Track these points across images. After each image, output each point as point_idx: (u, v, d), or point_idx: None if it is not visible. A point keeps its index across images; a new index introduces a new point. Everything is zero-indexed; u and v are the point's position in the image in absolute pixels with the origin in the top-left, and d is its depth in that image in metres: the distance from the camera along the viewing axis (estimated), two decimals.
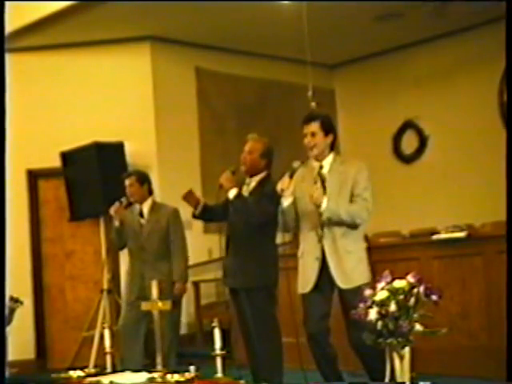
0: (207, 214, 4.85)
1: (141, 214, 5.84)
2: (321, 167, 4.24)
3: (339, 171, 4.21)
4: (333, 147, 4.30)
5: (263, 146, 4.72)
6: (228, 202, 4.64)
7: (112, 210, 5.77)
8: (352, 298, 3.98)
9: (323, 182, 4.19)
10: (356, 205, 4.13)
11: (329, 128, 4.26)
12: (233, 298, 4.79)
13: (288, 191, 4.13)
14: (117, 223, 5.80)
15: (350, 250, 4.12)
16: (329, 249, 4.11)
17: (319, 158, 4.25)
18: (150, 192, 5.90)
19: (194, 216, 4.85)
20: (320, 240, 4.13)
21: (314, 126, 4.22)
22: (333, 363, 4.24)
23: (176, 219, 5.82)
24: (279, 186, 4.15)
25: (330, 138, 4.25)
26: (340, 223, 4.11)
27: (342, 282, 4.09)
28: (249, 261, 4.59)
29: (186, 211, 7.56)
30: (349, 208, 4.12)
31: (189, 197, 4.80)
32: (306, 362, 4.38)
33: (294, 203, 4.20)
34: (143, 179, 5.85)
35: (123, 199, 5.79)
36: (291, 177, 4.15)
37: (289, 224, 4.26)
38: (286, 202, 4.16)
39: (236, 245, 4.68)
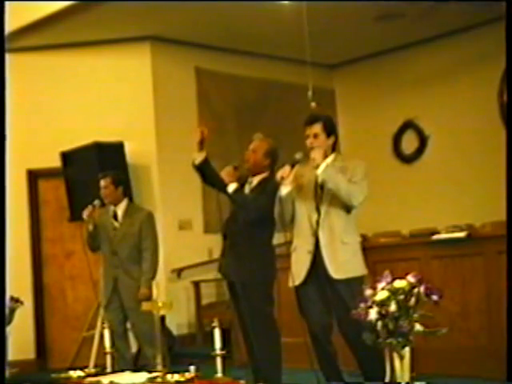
0: (205, 169, 4.66)
1: (115, 217, 5.83)
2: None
3: (339, 167, 4.21)
4: (334, 148, 4.30)
5: (268, 146, 4.74)
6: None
7: (85, 214, 5.75)
8: (344, 289, 4.01)
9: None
10: (354, 186, 4.11)
11: (331, 129, 4.27)
12: (231, 294, 4.80)
13: (288, 180, 4.12)
14: (90, 227, 5.79)
15: (346, 241, 4.12)
16: (324, 239, 4.10)
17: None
18: (126, 194, 5.90)
19: (194, 165, 4.66)
20: (314, 234, 4.13)
21: (317, 128, 4.22)
22: (333, 361, 4.24)
23: (149, 223, 5.79)
24: (279, 174, 4.14)
25: (331, 140, 4.26)
26: (336, 193, 4.06)
27: (334, 272, 4.06)
28: (245, 256, 4.59)
29: (184, 212, 7.60)
30: (348, 184, 4.10)
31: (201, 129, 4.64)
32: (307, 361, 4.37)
33: (292, 197, 4.18)
34: (118, 182, 5.83)
35: (96, 202, 5.78)
36: (293, 167, 4.14)
37: (285, 217, 4.21)
38: (284, 189, 4.14)
39: (233, 240, 4.69)
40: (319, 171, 4.12)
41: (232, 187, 4.60)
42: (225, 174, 4.64)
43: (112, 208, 5.83)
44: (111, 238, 5.76)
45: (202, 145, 4.61)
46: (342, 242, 4.11)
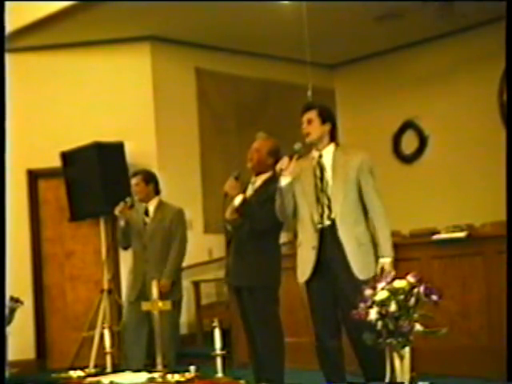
0: None
1: (146, 213, 5.86)
2: (320, 156, 4.19)
3: (341, 163, 4.15)
4: (333, 137, 4.24)
5: (271, 145, 4.73)
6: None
7: (117, 210, 5.80)
8: (350, 290, 3.94)
9: (322, 171, 4.15)
10: (373, 202, 4.12)
11: (326, 116, 4.22)
12: (236, 296, 4.79)
13: (287, 171, 4.10)
14: (122, 223, 5.82)
15: (363, 242, 4.08)
16: (343, 238, 4.05)
17: (319, 148, 4.20)
18: (157, 192, 5.93)
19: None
20: (316, 229, 4.08)
21: (311, 114, 4.20)
22: (336, 359, 4.21)
23: (179, 219, 5.83)
24: (278, 166, 4.13)
25: (327, 126, 4.20)
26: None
27: (359, 273, 4.01)
28: (252, 260, 4.59)
29: (187, 211, 7.59)
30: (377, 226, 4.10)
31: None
32: (312, 362, 4.36)
33: (292, 188, 4.15)
34: (149, 178, 5.89)
35: (128, 199, 5.83)
36: (291, 158, 4.12)
37: (286, 209, 4.18)
38: (284, 180, 4.11)
39: (239, 244, 4.68)
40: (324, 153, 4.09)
41: (238, 200, 4.57)
42: (228, 188, 4.61)
43: (143, 205, 5.87)
44: (142, 233, 5.79)
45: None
46: (358, 243, 4.06)
